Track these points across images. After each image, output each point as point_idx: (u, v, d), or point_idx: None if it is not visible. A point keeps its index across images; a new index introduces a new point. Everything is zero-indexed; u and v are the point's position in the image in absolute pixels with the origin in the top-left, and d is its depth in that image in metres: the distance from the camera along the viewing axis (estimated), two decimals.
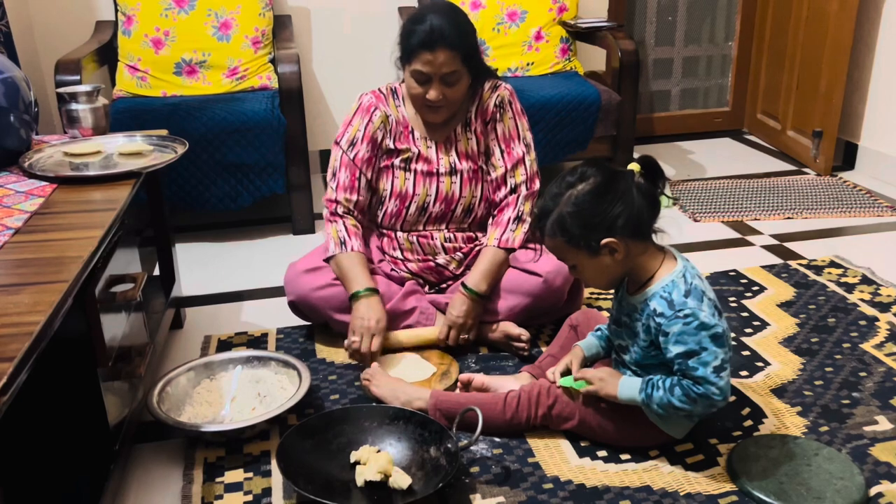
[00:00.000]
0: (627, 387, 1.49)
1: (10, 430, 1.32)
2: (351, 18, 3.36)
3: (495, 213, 2.03)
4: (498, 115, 2.00)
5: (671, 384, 1.43)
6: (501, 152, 2.00)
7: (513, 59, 3.17)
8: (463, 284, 1.93)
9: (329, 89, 3.44)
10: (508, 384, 1.71)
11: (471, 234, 2.07)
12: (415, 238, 2.03)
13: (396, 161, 2.01)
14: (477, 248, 2.05)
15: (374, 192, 2.04)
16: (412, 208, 2.02)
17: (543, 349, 1.88)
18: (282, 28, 3.10)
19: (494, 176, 2.02)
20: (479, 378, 1.73)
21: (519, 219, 1.98)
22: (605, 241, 1.40)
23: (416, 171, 2.00)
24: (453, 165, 2.01)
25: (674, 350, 1.40)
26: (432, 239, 2.03)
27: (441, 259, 2.04)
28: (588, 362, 1.65)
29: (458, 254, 2.05)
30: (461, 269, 2.05)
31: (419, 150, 2.00)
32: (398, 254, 2.05)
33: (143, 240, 2.11)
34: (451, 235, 2.05)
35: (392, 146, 2.00)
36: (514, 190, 2.00)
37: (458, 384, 1.75)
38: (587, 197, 1.40)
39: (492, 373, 1.85)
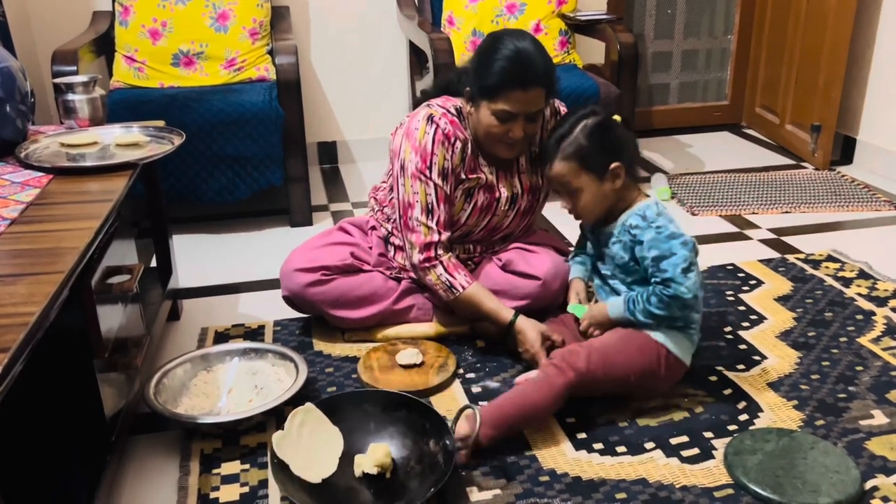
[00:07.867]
0: (614, 306, 1.69)
1: (6, 421, 1.32)
2: (349, 10, 3.35)
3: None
4: None
5: (647, 294, 1.61)
6: None
7: None
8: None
9: (327, 81, 3.43)
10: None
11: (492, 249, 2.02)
12: None
13: (458, 190, 1.86)
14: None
15: None
16: (454, 234, 1.90)
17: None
18: (280, 19, 3.09)
19: None
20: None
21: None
22: (613, 164, 1.62)
23: (476, 202, 1.87)
24: (515, 197, 1.91)
25: (648, 255, 1.60)
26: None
27: None
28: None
29: (471, 263, 1.99)
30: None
31: (486, 179, 1.86)
32: (403, 261, 1.98)
33: (140, 231, 2.11)
34: (473, 250, 1.99)
35: (464, 176, 1.84)
36: None
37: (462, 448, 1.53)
38: (601, 127, 1.64)
39: (487, 366, 1.85)
